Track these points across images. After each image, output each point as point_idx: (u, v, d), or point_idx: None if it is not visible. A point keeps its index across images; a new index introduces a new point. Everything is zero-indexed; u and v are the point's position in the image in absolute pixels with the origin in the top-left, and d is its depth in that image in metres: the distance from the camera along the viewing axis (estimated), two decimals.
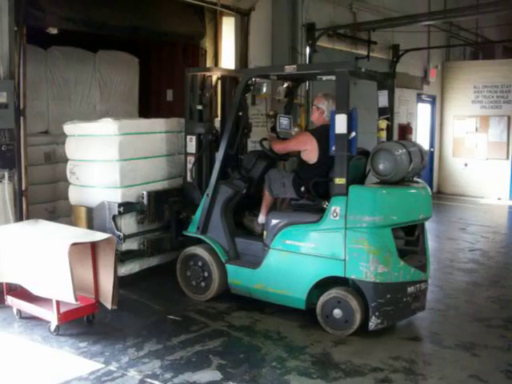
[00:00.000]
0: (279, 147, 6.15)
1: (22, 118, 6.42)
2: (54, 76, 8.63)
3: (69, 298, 4.91)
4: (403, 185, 5.53)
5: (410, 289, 5.37)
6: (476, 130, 14.49)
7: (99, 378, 4.40)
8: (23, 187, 6.46)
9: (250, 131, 6.99)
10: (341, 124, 5.23)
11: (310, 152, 5.70)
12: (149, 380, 4.40)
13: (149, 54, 10.16)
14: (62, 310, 5.14)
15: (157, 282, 6.62)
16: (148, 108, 9.94)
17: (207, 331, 5.40)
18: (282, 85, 6.64)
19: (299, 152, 5.92)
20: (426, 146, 14.74)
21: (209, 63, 9.02)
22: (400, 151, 5.35)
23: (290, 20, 9.62)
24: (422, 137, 14.52)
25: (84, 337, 5.17)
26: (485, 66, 14.58)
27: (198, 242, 6.36)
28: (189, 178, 6.62)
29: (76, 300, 4.92)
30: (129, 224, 6.41)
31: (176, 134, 6.99)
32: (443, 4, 13.71)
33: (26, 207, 6.54)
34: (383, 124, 6.03)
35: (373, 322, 5.24)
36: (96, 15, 7.48)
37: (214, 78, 6.71)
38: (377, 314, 5.22)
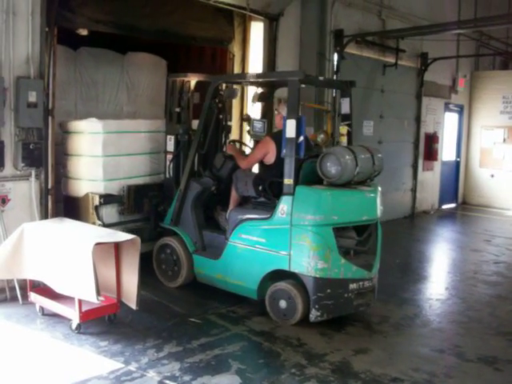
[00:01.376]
0: (245, 165, 6.47)
1: (50, 118, 6.51)
2: (82, 76, 8.73)
3: (91, 297, 4.95)
4: (349, 187, 5.82)
5: (353, 286, 5.66)
6: (504, 140, 14.27)
7: (118, 378, 4.43)
8: (49, 185, 6.54)
9: (229, 133, 7.55)
10: (290, 128, 5.59)
11: (269, 154, 6.09)
12: (168, 382, 4.42)
13: (177, 57, 10.21)
14: (84, 308, 5.20)
15: (178, 285, 6.63)
16: None
17: (227, 335, 5.41)
18: (257, 90, 6.96)
19: None
20: (452, 156, 14.61)
21: (236, 67, 9.05)
22: (347, 156, 5.65)
23: (318, 26, 9.59)
24: (448, 146, 14.35)
25: (105, 336, 5.20)
26: None
27: (174, 233, 6.77)
28: (167, 175, 7.16)
29: (98, 299, 4.96)
30: (110, 214, 6.99)
31: (161, 133, 7.43)
32: (473, 12, 13.58)
33: (52, 205, 6.61)
34: (344, 130, 6.49)
35: (313, 314, 5.54)
36: (126, 18, 7.54)
37: (192, 84, 7.11)
38: (317, 306, 5.52)
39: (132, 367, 4.62)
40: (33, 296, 5.70)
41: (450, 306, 6.70)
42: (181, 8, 8.11)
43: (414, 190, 12.68)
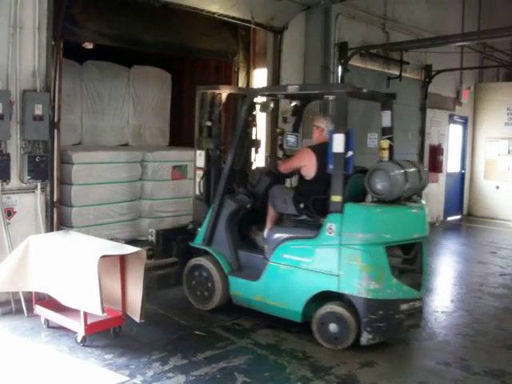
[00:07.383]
0: (283, 168, 6.34)
1: (55, 131, 6.54)
2: (88, 90, 8.78)
3: (96, 309, 4.94)
4: (399, 204, 5.61)
5: (403, 306, 5.43)
6: (508, 152, 14.26)
7: None
8: (55, 198, 6.56)
9: (258, 147, 7.12)
10: (338, 143, 5.37)
11: (309, 167, 5.88)
12: None
13: (182, 70, 10.27)
14: (90, 321, 5.19)
15: (183, 298, 6.62)
16: (180, 123, 10.03)
17: (232, 348, 5.39)
18: (290, 103, 6.83)
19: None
20: (456, 168, 14.60)
21: (241, 80, 9.08)
22: (396, 171, 5.46)
23: (322, 39, 9.62)
24: (453, 158, 14.35)
25: (110, 349, 5.19)
26: None
27: (205, 253, 6.52)
28: (197, 191, 6.83)
29: (103, 312, 4.95)
30: None
31: (138, 163, 7.88)
32: (477, 24, 13.61)
33: (57, 218, 6.63)
34: (385, 144, 6.14)
35: (364, 337, 5.31)
36: (131, 31, 7.57)
37: (224, 96, 6.86)
38: (368, 329, 5.29)
39: (137, 380, 4.60)
40: (38, 309, 5.70)
41: (456, 318, 6.67)
42: (185, 21, 8.14)
43: None
